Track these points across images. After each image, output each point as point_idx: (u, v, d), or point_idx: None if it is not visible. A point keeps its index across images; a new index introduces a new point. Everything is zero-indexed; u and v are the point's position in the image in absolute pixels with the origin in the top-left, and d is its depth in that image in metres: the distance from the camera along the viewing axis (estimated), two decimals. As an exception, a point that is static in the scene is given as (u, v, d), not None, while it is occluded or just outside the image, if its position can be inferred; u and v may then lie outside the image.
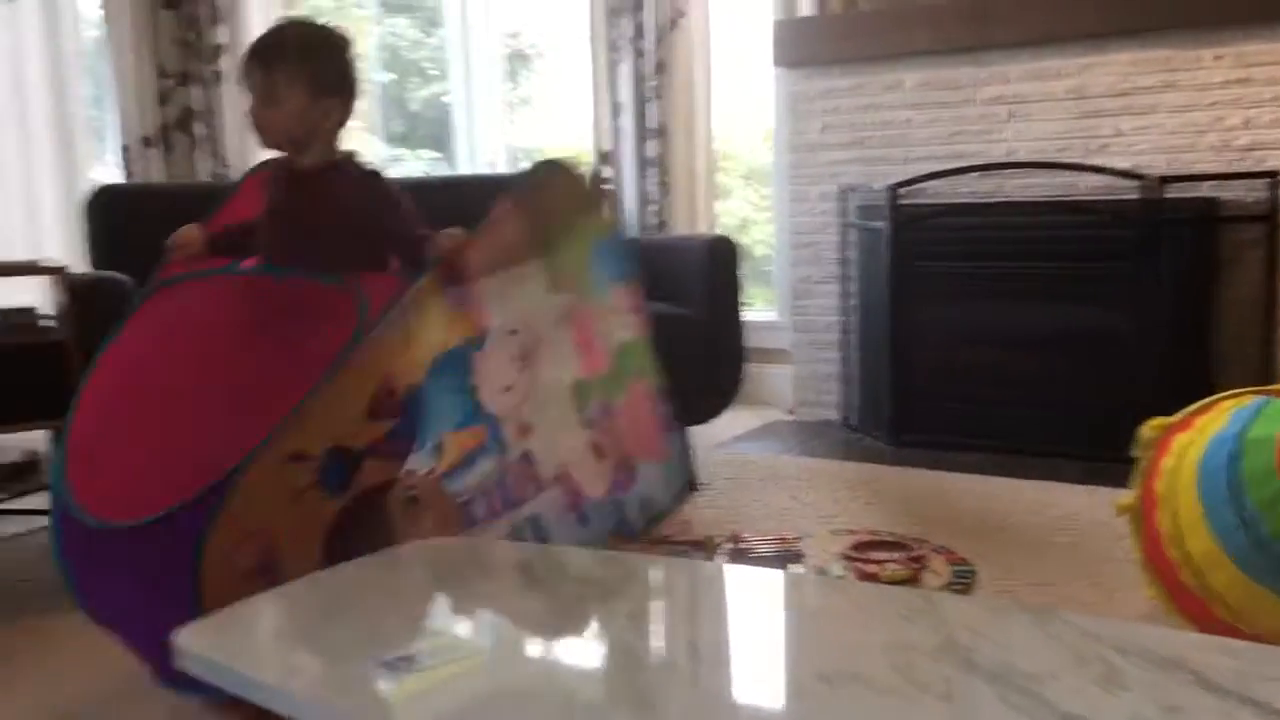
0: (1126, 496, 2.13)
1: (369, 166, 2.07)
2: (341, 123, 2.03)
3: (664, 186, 4.30)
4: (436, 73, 5.11)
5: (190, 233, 2.07)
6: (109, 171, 3.58)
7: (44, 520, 3.01)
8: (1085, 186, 3.44)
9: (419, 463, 1.83)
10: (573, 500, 2.08)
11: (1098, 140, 3.43)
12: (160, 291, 1.98)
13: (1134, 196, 3.25)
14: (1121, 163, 3.37)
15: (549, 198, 2.11)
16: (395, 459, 1.81)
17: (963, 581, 1.86)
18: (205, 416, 1.80)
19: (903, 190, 3.57)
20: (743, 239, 4.26)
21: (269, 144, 2.02)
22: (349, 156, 2.06)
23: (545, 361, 2.07)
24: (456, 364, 1.91)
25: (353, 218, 1.98)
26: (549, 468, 2.03)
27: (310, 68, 1.96)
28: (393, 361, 1.79)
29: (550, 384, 2.07)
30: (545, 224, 2.09)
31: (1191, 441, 2.03)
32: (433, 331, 1.88)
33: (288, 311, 1.90)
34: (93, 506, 1.65)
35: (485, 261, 1.96)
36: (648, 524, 2.25)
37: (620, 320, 2.24)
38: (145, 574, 1.66)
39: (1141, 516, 2.08)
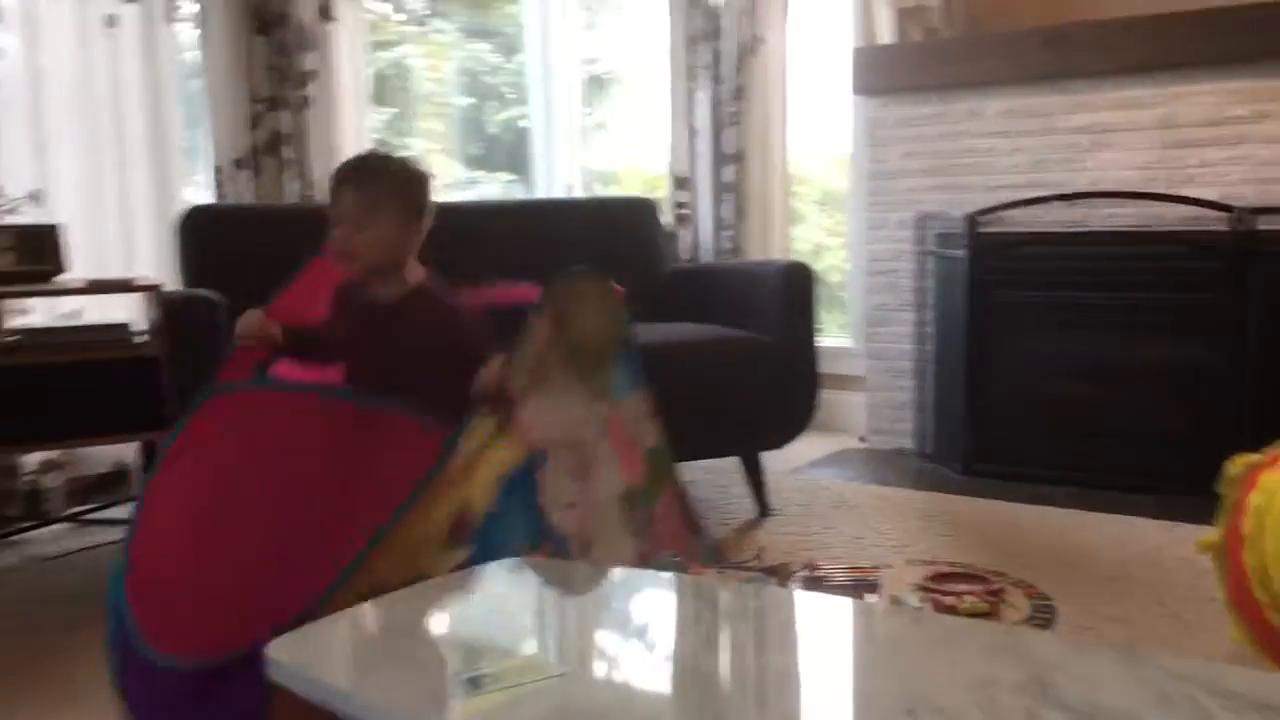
0: (1210, 534, 2.09)
1: (442, 292, 2.07)
2: (416, 249, 2.05)
3: (740, 211, 4.31)
4: (514, 97, 5.18)
5: (258, 322, 2.02)
6: (201, 192, 3.68)
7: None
8: (1172, 218, 3.38)
9: None
10: None
11: (1184, 171, 3.37)
12: (221, 397, 1.93)
13: (1222, 228, 3.19)
14: (1210, 194, 3.31)
15: (580, 308, 2.14)
16: None
17: (1042, 616, 1.84)
18: (276, 540, 1.77)
19: (982, 219, 3.55)
20: (816, 265, 4.25)
21: (356, 269, 2.02)
22: (424, 283, 2.06)
23: (598, 475, 2.10)
24: (524, 482, 1.92)
25: (433, 354, 1.99)
26: None
27: (399, 193, 1.99)
28: (463, 485, 1.81)
29: (604, 497, 2.11)
30: (578, 333, 2.12)
31: (1280, 479, 1.98)
32: (497, 452, 1.89)
33: (367, 438, 1.88)
34: (155, 636, 1.62)
35: (524, 380, 1.97)
36: None
37: (644, 425, 2.28)
38: (212, 712, 1.64)
39: (1226, 555, 2.03)
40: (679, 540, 2.31)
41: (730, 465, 3.46)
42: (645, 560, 2.17)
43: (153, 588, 1.71)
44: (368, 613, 1.37)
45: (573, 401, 2.10)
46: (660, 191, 4.48)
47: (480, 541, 1.81)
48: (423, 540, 1.74)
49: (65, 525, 3.18)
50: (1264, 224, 3.17)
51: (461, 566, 1.76)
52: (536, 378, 2.01)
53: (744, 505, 3.27)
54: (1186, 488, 3.18)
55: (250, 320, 2.01)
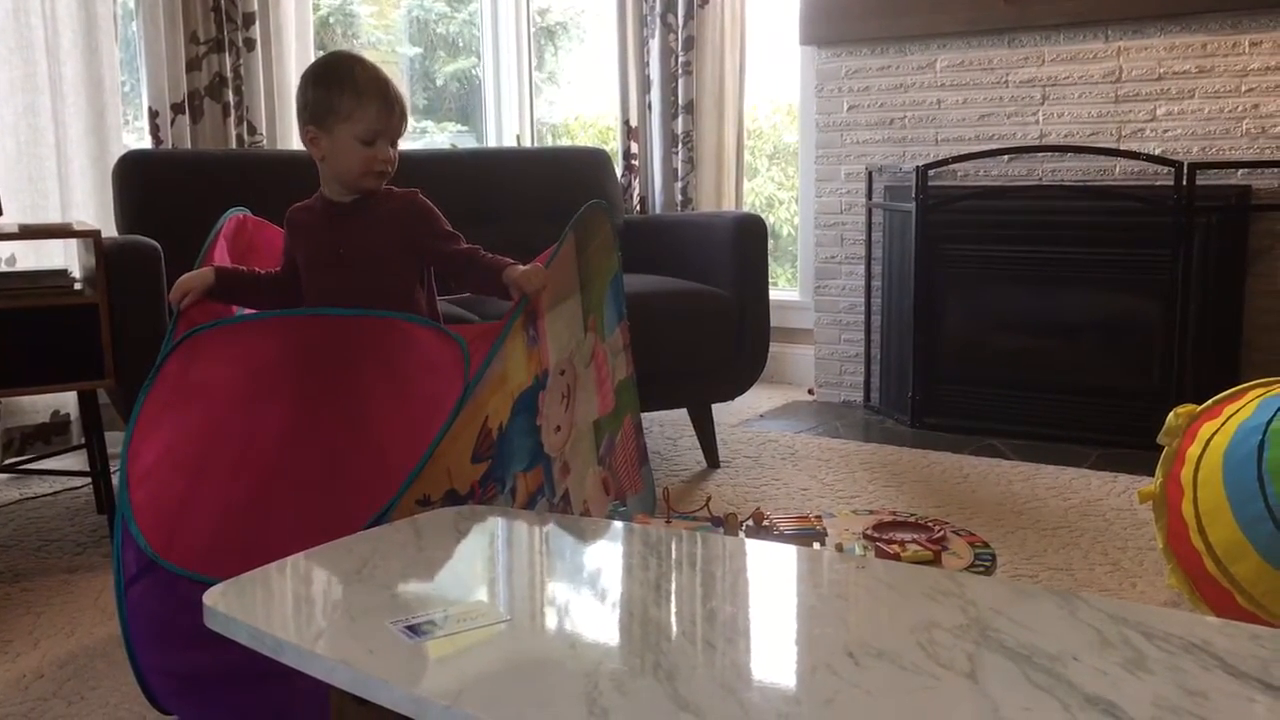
0: (1150, 484, 2.12)
1: (409, 194, 2.05)
2: None
3: (691, 163, 4.28)
4: (463, 46, 5.10)
5: (188, 276, 1.97)
6: (140, 137, 3.59)
7: (69, 481, 3.05)
8: (1118, 171, 3.41)
9: (500, 504, 1.84)
10: None
11: (1131, 125, 3.40)
12: (198, 337, 1.87)
13: (1166, 182, 3.22)
14: (1155, 148, 3.34)
15: (592, 237, 2.16)
16: (487, 502, 1.79)
17: (983, 564, 1.86)
18: (306, 459, 1.73)
19: (931, 172, 3.56)
20: (767, 217, 4.24)
21: (381, 186, 2.00)
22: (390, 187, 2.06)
23: (580, 401, 2.10)
24: (529, 404, 1.91)
25: (394, 248, 1.98)
26: (577, 507, 2.07)
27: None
28: (491, 401, 1.79)
29: (581, 423, 2.12)
30: (587, 263, 2.14)
31: (1218, 429, 2.02)
32: (519, 370, 1.88)
33: (378, 354, 1.85)
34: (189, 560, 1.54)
35: (549, 297, 1.98)
36: None
37: (620, 358, 2.30)
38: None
39: (1165, 504, 2.07)
40: (629, 469, 2.33)
41: (680, 417, 3.47)
42: (604, 486, 2.19)
43: (161, 510, 1.63)
44: (308, 560, 1.35)
45: (574, 326, 2.12)
46: (611, 144, 4.44)
47: (494, 457, 1.80)
48: (457, 452, 1.72)
49: (2, 476, 3.12)
50: (1207, 179, 3.21)
51: (481, 480, 1.76)
52: (556, 297, 2.02)
53: (693, 457, 3.28)
54: (1129, 439, 3.24)
55: (181, 280, 1.97)
